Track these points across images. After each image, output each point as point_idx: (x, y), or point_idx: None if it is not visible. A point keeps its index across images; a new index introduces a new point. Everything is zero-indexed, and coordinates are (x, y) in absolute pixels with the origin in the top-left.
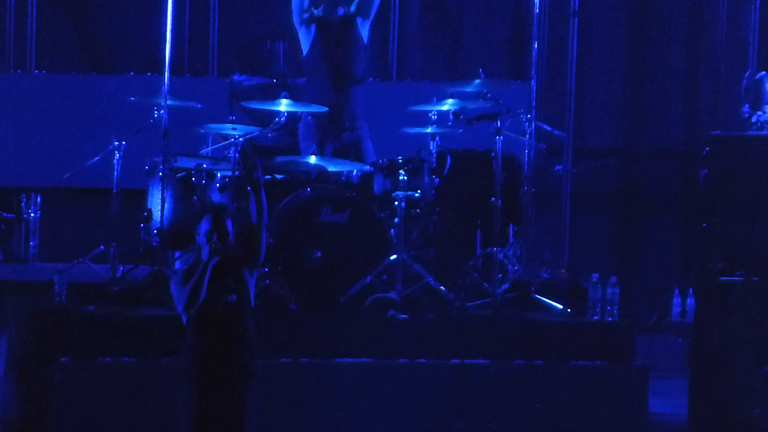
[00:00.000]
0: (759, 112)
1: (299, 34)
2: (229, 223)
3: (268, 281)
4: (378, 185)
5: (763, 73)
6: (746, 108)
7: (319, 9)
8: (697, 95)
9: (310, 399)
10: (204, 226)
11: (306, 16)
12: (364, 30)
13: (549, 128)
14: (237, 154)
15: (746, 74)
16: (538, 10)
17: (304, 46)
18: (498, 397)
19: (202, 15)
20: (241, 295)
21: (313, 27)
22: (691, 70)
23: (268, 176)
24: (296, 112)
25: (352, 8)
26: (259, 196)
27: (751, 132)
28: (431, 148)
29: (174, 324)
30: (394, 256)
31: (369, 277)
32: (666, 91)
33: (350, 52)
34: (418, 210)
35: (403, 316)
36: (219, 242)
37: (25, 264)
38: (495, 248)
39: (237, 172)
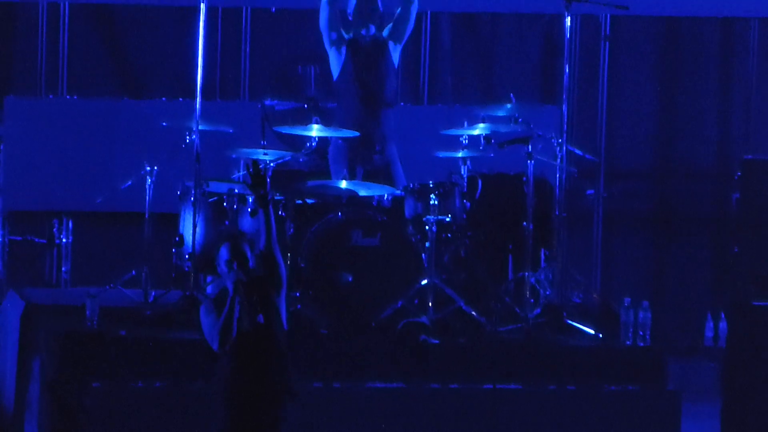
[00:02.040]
0: None
1: (330, 57)
2: (246, 249)
3: (299, 305)
4: (409, 209)
5: None
6: None
7: (350, 32)
8: (728, 118)
9: (342, 423)
10: (223, 254)
11: (335, 37)
12: (395, 54)
13: (580, 152)
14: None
15: None
16: (569, 35)
17: (335, 69)
18: (530, 422)
19: (233, 40)
20: (269, 316)
21: (343, 49)
22: (722, 93)
23: (299, 201)
24: (327, 136)
25: (385, 33)
26: (268, 215)
27: None
28: (462, 172)
29: (206, 348)
30: (425, 281)
31: (400, 302)
32: (697, 114)
33: (381, 76)
34: (449, 234)
35: (435, 340)
36: (239, 271)
37: (57, 288)
38: (527, 272)
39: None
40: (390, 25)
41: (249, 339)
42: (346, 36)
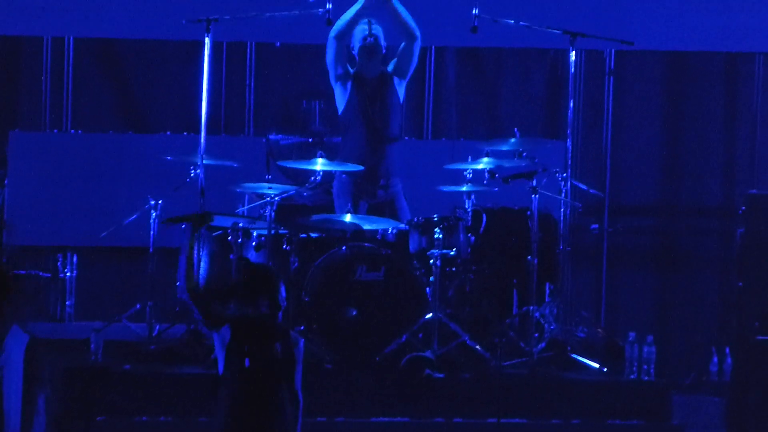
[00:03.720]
0: None
1: (335, 91)
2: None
3: (303, 340)
4: (413, 243)
5: None
6: None
7: (355, 67)
8: (733, 153)
9: None
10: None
11: (341, 72)
12: (401, 89)
13: (585, 187)
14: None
15: None
16: (573, 69)
17: (340, 104)
18: None
19: (238, 75)
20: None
21: (349, 84)
22: (727, 128)
23: (304, 235)
24: (331, 171)
25: (389, 68)
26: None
27: None
28: (467, 206)
29: (210, 381)
30: (429, 315)
31: (405, 336)
32: (702, 149)
33: (386, 111)
34: (453, 268)
35: (440, 375)
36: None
37: (61, 323)
38: (531, 307)
39: (273, 231)
40: (394, 60)
41: (254, 377)
42: (351, 71)
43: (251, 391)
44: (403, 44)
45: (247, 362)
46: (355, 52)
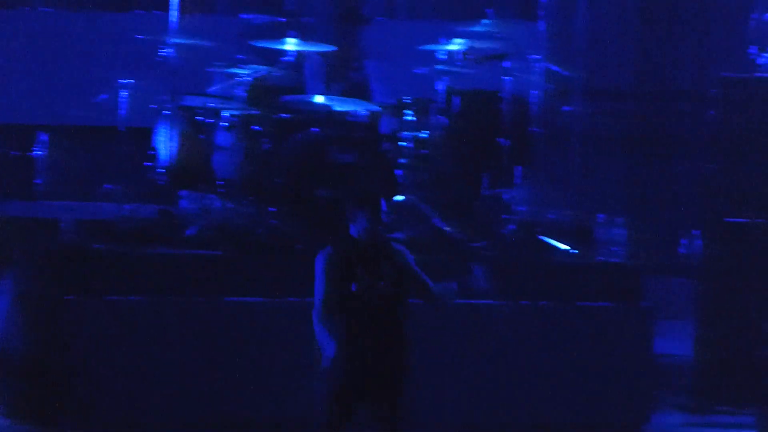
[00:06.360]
0: (765, 54)
1: None
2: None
3: (274, 221)
4: (385, 125)
5: None
6: (753, 49)
7: None
8: (707, 37)
9: None
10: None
11: None
12: None
13: (558, 69)
14: None
15: (753, 15)
16: None
17: None
18: (502, 336)
19: None
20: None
21: None
22: (701, 12)
23: (275, 116)
24: (304, 51)
25: None
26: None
27: (758, 74)
28: (439, 87)
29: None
30: (401, 197)
31: None
32: (677, 33)
33: None
34: (425, 150)
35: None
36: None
37: (31, 201)
38: (502, 189)
39: (244, 111)
40: None
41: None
42: None
43: (362, 320)
44: None
45: (354, 287)
46: None
